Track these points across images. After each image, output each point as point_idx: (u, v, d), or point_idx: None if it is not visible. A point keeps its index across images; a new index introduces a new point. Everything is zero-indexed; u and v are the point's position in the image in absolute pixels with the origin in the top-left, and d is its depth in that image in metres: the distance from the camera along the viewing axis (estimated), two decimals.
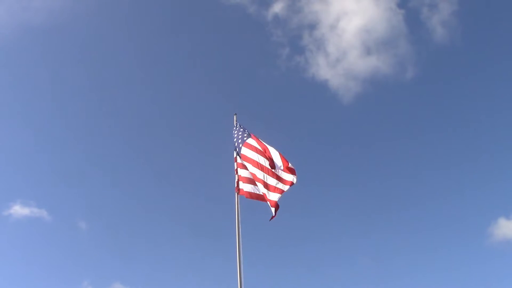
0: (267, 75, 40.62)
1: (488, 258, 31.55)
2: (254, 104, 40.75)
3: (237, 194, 13.15)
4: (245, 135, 13.78)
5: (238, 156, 13.62)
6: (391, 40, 37.77)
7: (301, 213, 32.97)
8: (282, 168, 12.68)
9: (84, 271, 31.70)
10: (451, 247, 32.89)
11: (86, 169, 38.86)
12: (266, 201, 12.55)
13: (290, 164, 12.67)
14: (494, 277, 30.30)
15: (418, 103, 40.57)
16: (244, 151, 13.43)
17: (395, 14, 37.88)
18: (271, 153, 13.06)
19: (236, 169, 13.53)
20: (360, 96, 38.16)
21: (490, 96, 38.71)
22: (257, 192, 12.90)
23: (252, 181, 13.07)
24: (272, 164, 12.83)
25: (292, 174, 12.58)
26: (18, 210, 33.72)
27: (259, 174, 12.85)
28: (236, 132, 14.09)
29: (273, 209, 12.33)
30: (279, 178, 12.63)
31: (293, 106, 41.64)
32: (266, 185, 12.64)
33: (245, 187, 13.14)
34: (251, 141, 13.53)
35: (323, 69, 38.34)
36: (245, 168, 13.32)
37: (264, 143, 13.39)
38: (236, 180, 13.40)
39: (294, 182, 12.54)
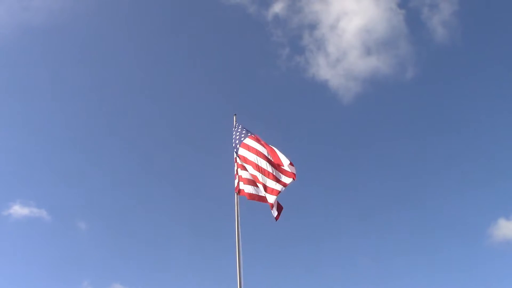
0: (267, 75, 40.68)
1: (488, 258, 31.59)
2: (254, 104, 40.78)
3: (237, 194, 13.17)
4: (242, 135, 13.80)
5: (237, 157, 13.65)
6: (392, 40, 37.81)
7: (301, 213, 33.03)
8: (282, 166, 12.69)
9: (84, 271, 31.72)
10: (451, 247, 32.91)
11: (86, 169, 38.88)
12: (267, 203, 12.57)
13: (289, 162, 12.70)
14: (494, 277, 30.34)
15: (418, 103, 40.58)
16: (242, 151, 13.45)
17: (396, 14, 37.93)
18: (271, 151, 13.10)
19: (237, 170, 13.54)
20: (360, 96, 38.19)
21: (490, 96, 38.74)
22: (258, 193, 12.91)
23: (252, 182, 13.06)
24: (271, 164, 12.85)
25: (291, 173, 12.59)
26: (18, 210, 33.77)
27: (258, 175, 12.87)
28: (235, 132, 14.11)
29: (274, 211, 12.38)
30: (276, 179, 12.64)
31: (293, 106, 41.67)
32: (264, 187, 12.66)
33: (246, 188, 13.13)
34: (248, 141, 13.54)
35: (323, 69, 38.39)
36: (245, 169, 13.33)
37: (263, 142, 13.42)
38: (236, 181, 13.41)
39: (294, 179, 12.55)
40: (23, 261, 32.95)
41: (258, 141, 13.49)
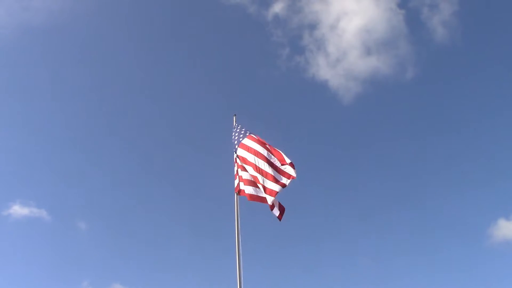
0: (267, 75, 40.70)
1: (488, 259, 31.59)
2: (254, 104, 40.78)
3: (237, 194, 13.18)
4: (241, 135, 13.81)
5: (237, 158, 13.66)
6: (391, 41, 37.83)
7: (301, 213, 33.00)
8: (285, 163, 12.72)
9: (84, 271, 31.73)
10: (451, 247, 32.92)
11: (86, 169, 38.90)
12: (267, 203, 12.59)
13: (289, 161, 12.74)
14: (494, 277, 30.35)
15: (418, 103, 40.59)
16: (241, 152, 13.47)
17: (396, 14, 37.94)
18: (272, 150, 13.12)
19: (237, 170, 13.56)
20: (360, 96, 38.21)
21: (490, 96, 38.75)
22: (258, 194, 12.92)
23: (253, 183, 13.06)
24: (270, 164, 12.87)
25: (289, 174, 12.61)
26: (18, 210, 33.77)
27: (259, 177, 12.87)
28: (234, 133, 14.13)
29: (275, 211, 12.41)
30: (275, 180, 12.65)
31: (293, 106, 41.69)
32: (264, 188, 12.66)
33: (247, 189, 13.13)
34: (246, 141, 13.56)
35: (323, 69, 38.41)
36: (245, 170, 13.34)
37: (263, 141, 13.44)
38: (236, 181, 13.42)
39: (294, 176, 12.58)
40: (23, 261, 33.02)
41: (257, 141, 13.50)
